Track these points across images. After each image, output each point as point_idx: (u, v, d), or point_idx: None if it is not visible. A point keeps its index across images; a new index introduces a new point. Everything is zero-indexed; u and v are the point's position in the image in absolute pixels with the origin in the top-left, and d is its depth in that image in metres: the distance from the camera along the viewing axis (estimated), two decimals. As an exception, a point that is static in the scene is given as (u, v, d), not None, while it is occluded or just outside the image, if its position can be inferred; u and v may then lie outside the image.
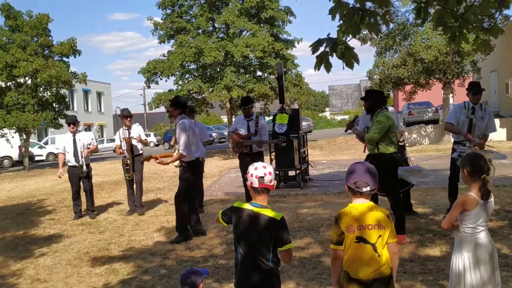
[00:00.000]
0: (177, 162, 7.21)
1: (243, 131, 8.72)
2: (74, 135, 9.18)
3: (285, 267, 5.39)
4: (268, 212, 3.16)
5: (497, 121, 20.80)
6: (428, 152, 17.95)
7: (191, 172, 7.16)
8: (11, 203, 12.44)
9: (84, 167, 9.13)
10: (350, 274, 3.02)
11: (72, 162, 9.17)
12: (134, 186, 9.43)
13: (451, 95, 23.56)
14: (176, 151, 7.18)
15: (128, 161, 9.18)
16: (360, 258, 2.98)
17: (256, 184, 3.16)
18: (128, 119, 9.24)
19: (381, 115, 6.25)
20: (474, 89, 6.95)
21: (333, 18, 3.39)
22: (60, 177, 9.45)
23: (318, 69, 3.43)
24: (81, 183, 9.33)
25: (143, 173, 9.61)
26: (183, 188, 7.10)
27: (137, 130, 9.36)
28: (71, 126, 9.20)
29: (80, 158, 9.11)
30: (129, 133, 9.19)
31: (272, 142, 9.90)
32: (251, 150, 8.59)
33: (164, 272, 5.62)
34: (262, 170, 3.17)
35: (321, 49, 3.36)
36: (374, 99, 6.44)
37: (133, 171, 9.24)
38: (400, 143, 7.28)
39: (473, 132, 6.95)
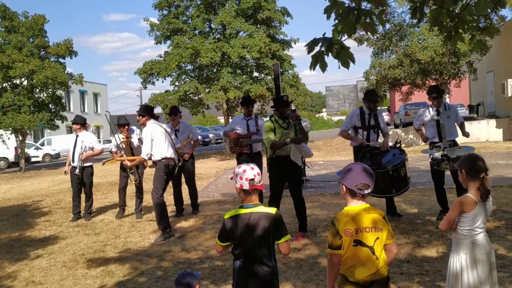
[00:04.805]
0: (150, 162, 7.68)
1: (241, 131, 8.46)
2: (77, 135, 9.21)
3: (282, 269, 5.36)
4: (263, 209, 3.21)
5: (493, 122, 21.01)
6: (425, 153, 17.92)
7: (161, 171, 7.36)
8: (7, 204, 12.38)
9: (77, 170, 9.04)
10: (347, 277, 2.97)
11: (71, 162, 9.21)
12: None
13: (447, 95, 23.59)
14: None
15: (129, 164, 8.41)
16: (358, 261, 2.94)
17: (246, 186, 3.20)
18: (126, 127, 8.78)
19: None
20: (431, 92, 7.03)
21: (328, 17, 3.38)
22: (65, 174, 9.59)
23: (314, 69, 3.42)
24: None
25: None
26: (154, 186, 7.39)
27: (136, 136, 9.00)
28: (73, 125, 9.40)
29: (76, 158, 9.07)
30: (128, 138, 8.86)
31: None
32: (252, 150, 8.38)
33: (160, 274, 5.59)
34: (251, 172, 3.21)
35: (317, 48, 3.36)
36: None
37: (138, 174, 8.86)
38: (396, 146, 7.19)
39: (444, 133, 6.95)
